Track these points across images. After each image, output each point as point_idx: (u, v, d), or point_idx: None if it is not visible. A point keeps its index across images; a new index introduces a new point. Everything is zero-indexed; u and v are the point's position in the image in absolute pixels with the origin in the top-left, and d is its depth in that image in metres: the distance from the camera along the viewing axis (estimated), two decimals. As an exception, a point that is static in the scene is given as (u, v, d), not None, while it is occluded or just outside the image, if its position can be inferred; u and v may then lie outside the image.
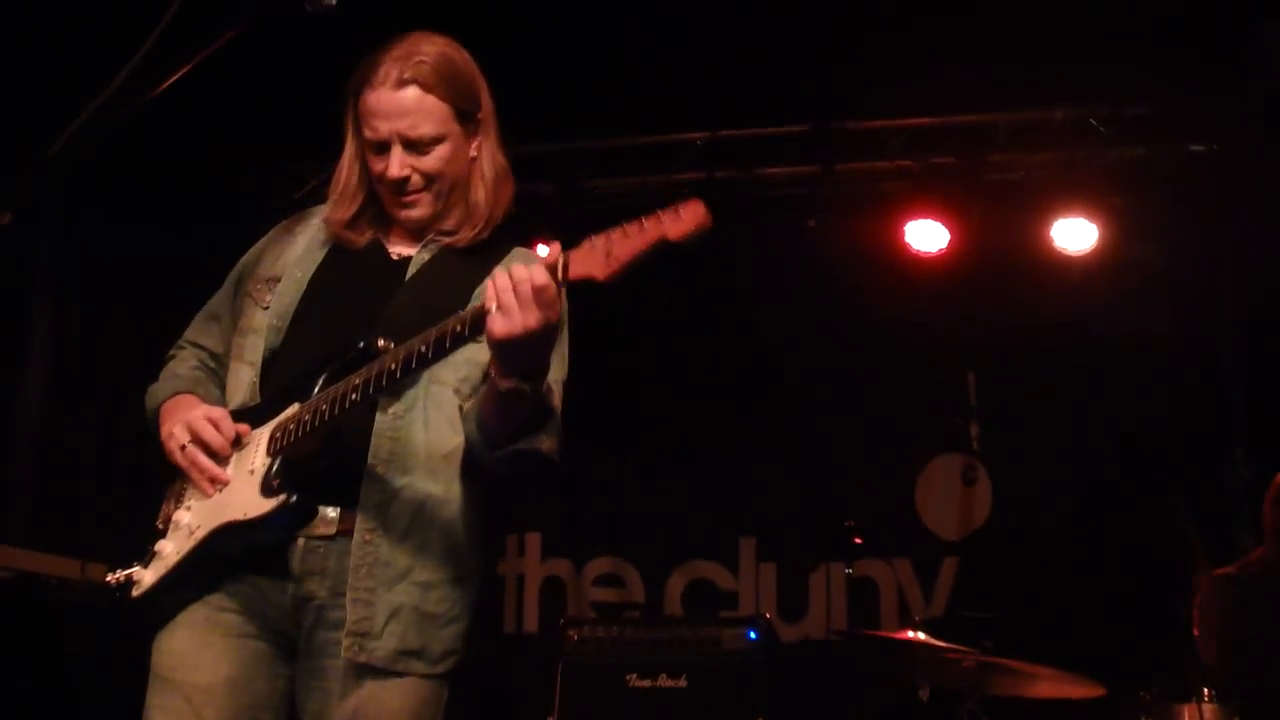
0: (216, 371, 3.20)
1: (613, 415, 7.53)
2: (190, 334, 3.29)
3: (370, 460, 2.89)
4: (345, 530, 2.86)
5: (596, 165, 7.94)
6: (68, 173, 2.41)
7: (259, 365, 3.03)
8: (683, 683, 6.09)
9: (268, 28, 2.66)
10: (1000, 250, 7.55)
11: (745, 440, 7.82)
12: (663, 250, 2.49)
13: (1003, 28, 6.52)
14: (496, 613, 8.07)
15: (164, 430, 3.03)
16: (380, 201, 3.17)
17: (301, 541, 2.86)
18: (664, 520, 8.00)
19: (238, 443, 2.94)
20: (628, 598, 8.08)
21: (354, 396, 2.75)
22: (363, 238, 3.16)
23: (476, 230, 3.13)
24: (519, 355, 2.66)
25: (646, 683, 6.12)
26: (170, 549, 2.93)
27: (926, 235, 7.54)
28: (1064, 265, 7.40)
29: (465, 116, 3.09)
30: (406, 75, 3.01)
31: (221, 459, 2.92)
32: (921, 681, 5.58)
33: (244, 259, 3.29)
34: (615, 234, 2.52)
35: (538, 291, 2.56)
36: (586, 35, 6.77)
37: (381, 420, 2.91)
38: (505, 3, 6.24)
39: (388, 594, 2.86)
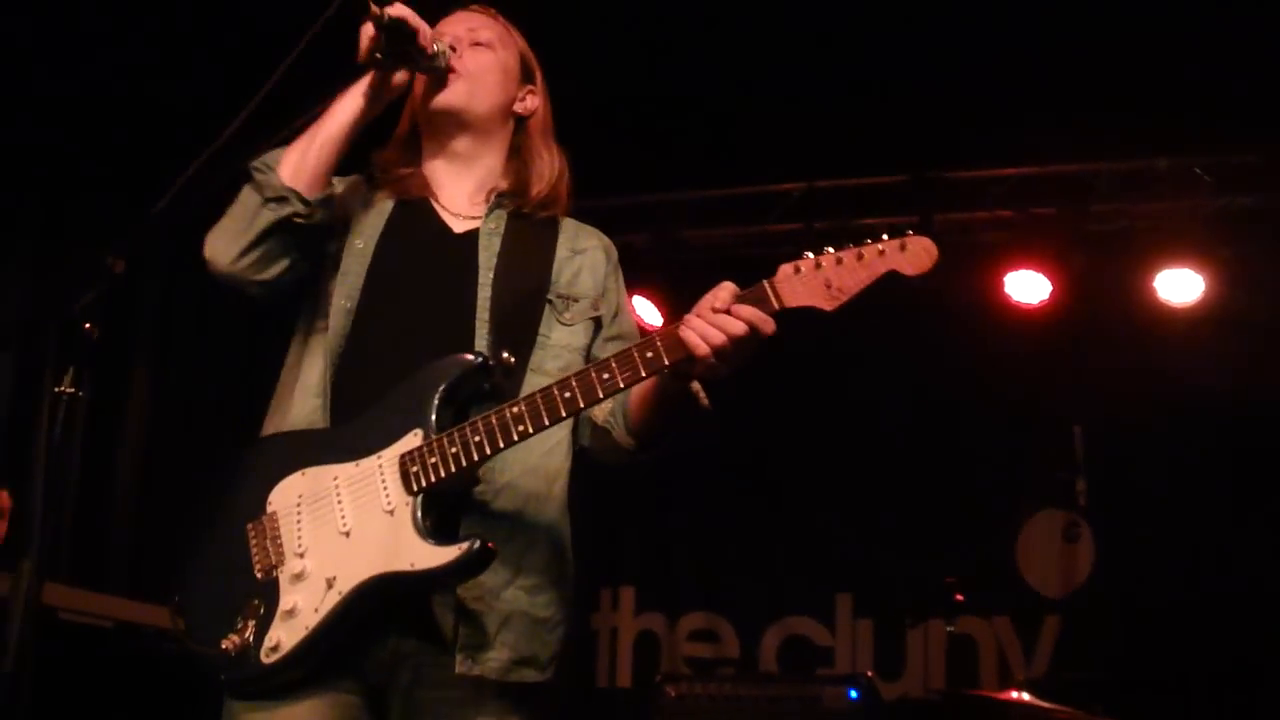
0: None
1: (708, 470, 7.47)
2: None
3: None
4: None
5: (694, 215, 7.93)
6: (173, 228, 2.41)
7: (330, 359, 2.85)
8: (782, 742, 6.00)
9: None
10: (1103, 302, 7.45)
11: (843, 495, 7.73)
12: (889, 282, 2.47)
13: (1105, 76, 6.45)
14: (590, 666, 8.02)
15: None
16: (424, 145, 3.11)
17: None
18: (759, 575, 7.93)
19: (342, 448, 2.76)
20: (722, 653, 8.01)
21: (522, 428, 2.62)
22: (411, 188, 3.05)
23: (543, 198, 3.06)
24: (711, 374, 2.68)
25: (746, 742, 6.04)
26: (304, 605, 2.65)
27: (1027, 286, 7.47)
28: (1169, 317, 7.28)
29: (524, 64, 3.17)
30: (479, 8, 3.18)
31: None
32: (1025, 743, 5.46)
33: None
34: (827, 261, 2.51)
35: (763, 340, 2.58)
36: (684, 86, 6.77)
37: None
38: (600, 52, 6.25)
39: (496, 602, 2.76)
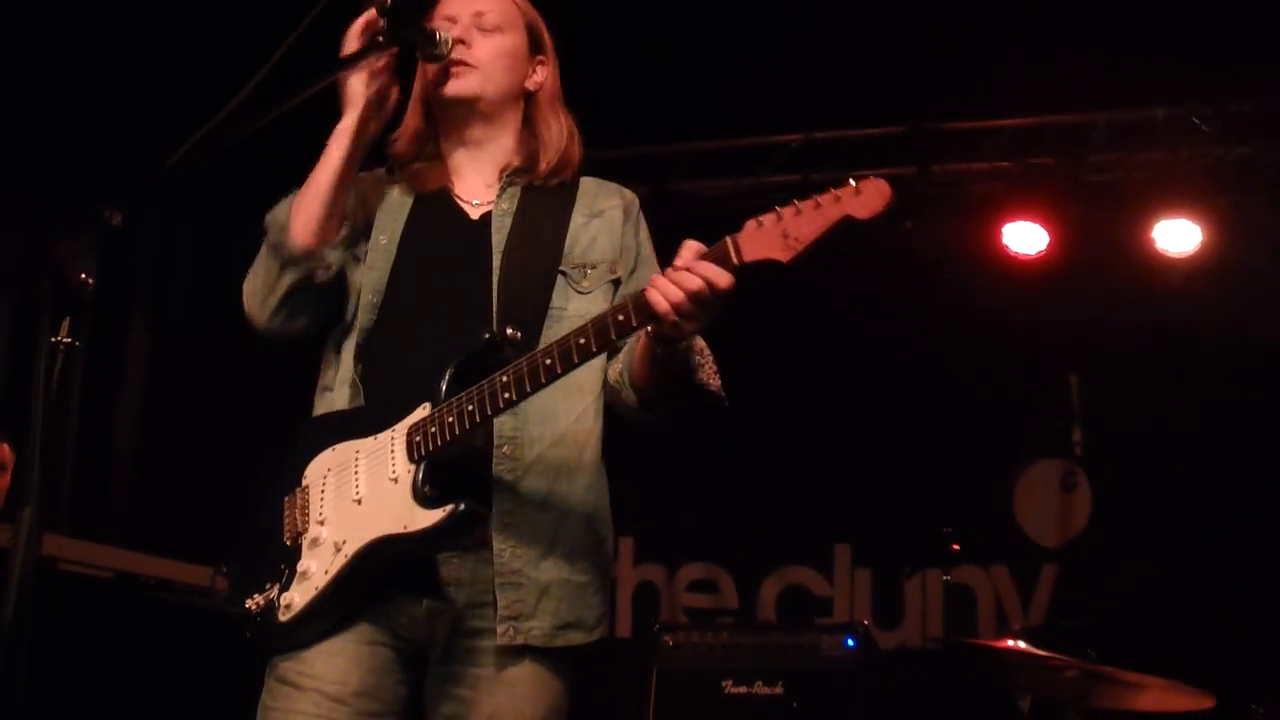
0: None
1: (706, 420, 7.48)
2: None
3: (497, 440, 2.83)
4: (482, 541, 2.80)
5: (690, 168, 7.92)
6: (173, 186, 2.42)
7: (356, 350, 2.95)
8: (779, 690, 6.04)
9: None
10: (1101, 252, 7.44)
11: (840, 445, 7.74)
12: (845, 229, 2.46)
13: (1101, 25, 6.43)
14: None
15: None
16: (436, 132, 3.14)
17: (438, 555, 2.81)
18: (758, 525, 7.95)
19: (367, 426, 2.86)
20: (721, 603, 8.06)
21: (508, 395, 2.67)
22: (430, 180, 3.10)
23: (553, 167, 3.08)
24: (678, 334, 2.68)
25: (742, 689, 6.08)
26: (316, 568, 2.80)
27: (1025, 237, 7.47)
28: (1166, 267, 7.27)
29: (533, 36, 3.17)
30: None
31: None
32: (1022, 692, 5.50)
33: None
34: (786, 213, 2.49)
35: (722, 295, 2.56)
36: (679, 38, 6.75)
37: None
38: (598, 7, 6.23)
39: (535, 573, 2.81)
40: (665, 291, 2.58)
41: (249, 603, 2.87)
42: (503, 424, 2.83)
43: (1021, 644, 5.25)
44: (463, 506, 2.68)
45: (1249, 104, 7.14)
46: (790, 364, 7.90)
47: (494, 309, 2.88)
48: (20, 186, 6.54)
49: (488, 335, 2.79)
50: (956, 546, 6.59)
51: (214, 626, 5.01)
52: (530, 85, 3.17)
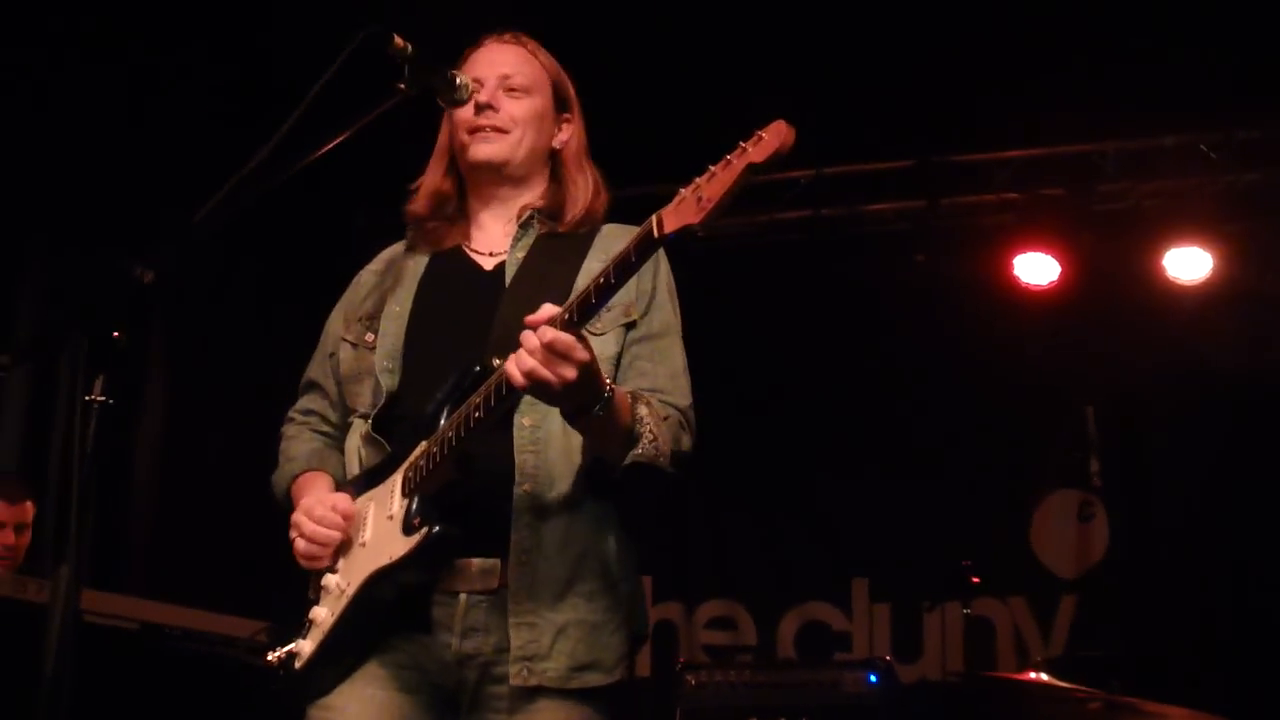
0: (332, 435, 3.18)
1: (722, 456, 7.47)
2: (299, 404, 3.26)
3: (518, 479, 2.82)
4: (506, 583, 2.80)
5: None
6: (210, 239, 2.45)
7: (373, 417, 2.98)
8: (803, 727, 6.02)
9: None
10: (1112, 281, 7.44)
11: (856, 479, 7.74)
12: (752, 178, 2.42)
13: (1107, 55, 6.45)
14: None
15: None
16: (463, 192, 3.18)
17: (464, 598, 2.80)
18: (776, 562, 7.95)
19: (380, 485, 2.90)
20: (740, 640, 8.03)
21: (478, 414, 2.67)
22: (446, 239, 3.13)
23: (578, 220, 3.09)
24: (558, 402, 2.65)
25: (766, 727, 6.06)
26: (324, 614, 2.86)
27: (1036, 268, 7.47)
28: (1178, 295, 7.28)
29: (558, 94, 3.20)
30: (509, 38, 3.20)
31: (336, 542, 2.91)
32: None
33: (331, 316, 3.26)
34: (703, 179, 2.47)
35: (547, 348, 2.52)
36: (689, 73, 6.77)
37: (520, 437, 2.84)
38: (606, 40, 6.27)
39: (551, 613, 2.80)
40: (517, 361, 2.57)
41: (271, 656, 2.92)
42: (524, 461, 2.84)
43: (1043, 676, 5.23)
44: (436, 529, 2.72)
45: (1257, 131, 7.17)
46: (805, 398, 7.89)
47: (490, 341, 2.87)
48: (29, 260, 6.60)
49: (478, 367, 2.80)
50: (976, 579, 6.59)
51: (239, 676, 5.04)
52: (556, 144, 3.20)
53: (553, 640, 2.80)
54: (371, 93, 2.82)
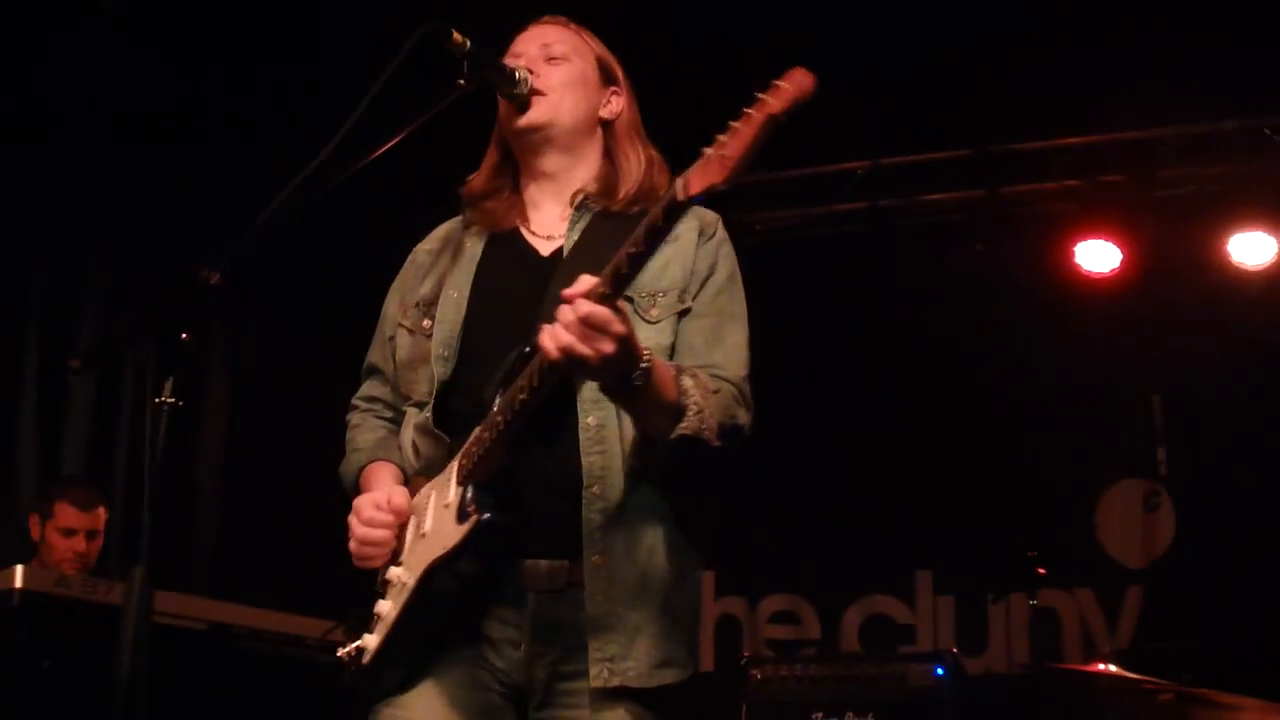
0: (395, 421, 3.17)
1: (783, 450, 7.46)
2: (362, 390, 3.27)
3: (586, 480, 2.81)
4: (575, 582, 2.79)
5: (758, 198, 7.90)
6: (274, 239, 2.46)
7: (432, 405, 2.96)
8: (869, 720, 5.99)
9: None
10: (1176, 268, 7.36)
11: (920, 471, 7.68)
12: (773, 130, 2.37)
13: (1166, 39, 6.38)
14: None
15: None
16: (517, 180, 3.17)
17: (533, 597, 2.80)
18: (839, 555, 7.91)
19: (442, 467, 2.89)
20: (803, 634, 8.01)
21: (523, 396, 2.66)
22: (503, 220, 3.12)
23: (631, 196, 3.07)
24: (596, 377, 2.64)
25: (832, 721, 6.04)
26: (388, 607, 2.85)
27: (1098, 255, 7.42)
28: (1244, 280, 7.19)
29: (603, 68, 3.18)
30: (550, 18, 3.21)
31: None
32: (1114, 717, 5.42)
33: (389, 297, 3.26)
34: (723, 137, 2.42)
35: (583, 321, 2.49)
36: (743, 66, 6.74)
37: (585, 438, 2.82)
38: (662, 33, 6.26)
39: (627, 612, 2.79)
40: (552, 334, 2.54)
41: (340, 651, 2.93)
42: (591, 463, 2.82)
43: (1112, 667, 5.18)
44: (486, 516, 2.69)
45: (1320, 111, 7.07)
46: (866, 391, 7.86)
47: (541, 322, 2.81)
48: (95, 270, 6.68)
49: (527, 349, 2.75)
50: (1042, 570, 6.54)
51: (306, 675, 5.07)
52: (605, 114, 3.17)
53: (632, 639, 2.79)
54: (425, 90, 2.84)
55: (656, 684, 2.80)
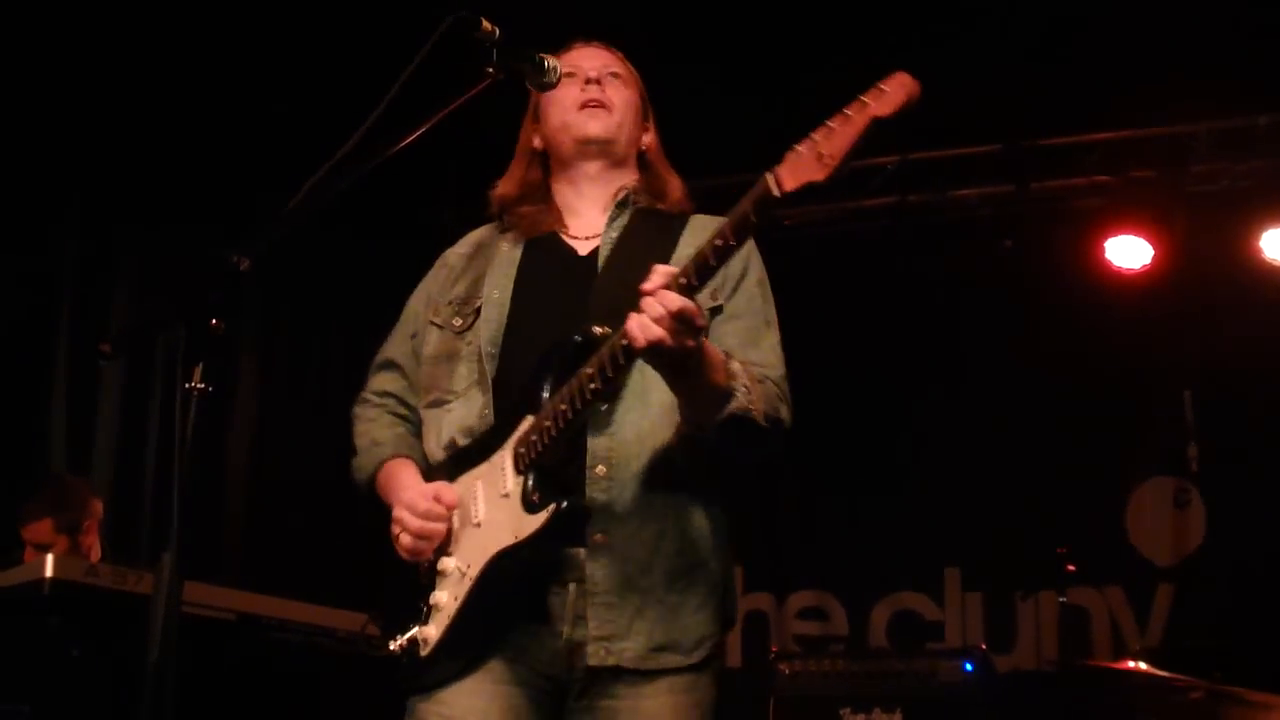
0: (410, 418, 3.18)
1: (811, 445, 7.44)
2: (374, 385, 3.26)
3: (590, 461, 2.82)
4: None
5: (788, 193, 7.86)
6: (303, 227, 2.46)
7: (491, 399, 2.95)
8: (897, 716, 5.97)
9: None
10: (1207, 264, 7.33)
11: (949, 468, 7.66)
12: (876, 132, 2.38)
13: (1198, 34, 6.34)
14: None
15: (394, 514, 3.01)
16: (549, 177, 3.20)
17: (573, 587, 2.80)
18: (867, 551, 7.90)
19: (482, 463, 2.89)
20: (831, 630, 8.01)
21: (593, 385, 2.66)
22: (540, 224, 3.14)
23: (674, 202, 3.14)
24: (670, 368, 2.65)
25: (860, 716, 6.02)
26: (445, 597, 2.84)
27: (1129, 251, 7.40)
28: (1276, 276, 7.15)
29: (644, 101, 3.25)
30: (599, 42, 3.28)
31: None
32: (1145, 715, 5.39)
33: (413, 297, 3.27)
34: (819, 134, 2.43)
35: (676, 317, 2.51)
36: (774, 63, 6.74)
37: (595, 418, 2.83)
38: (690, 31, 6.26)
39: (630, 593, 2.80)
40: (639, 323, 2.54)
41: (393, 644, 2.93)
42: (596, 444, 2.83)
43: (1143, 665, 5.16)
44: (565, 504, 2.71)
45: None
46: (894, 386, 7.85)
47: (589, 312, 2.87)
48: (121, 256, 6.71)
49: (579, 337, 2.78)
50: (1071, 567, 6.51)
51: (335, 667, 5.08)
52: (643, 145, 3.24)
53: (631, 620, 2.79)
54: (454, 79, 2.83)
55: (652, 667, 2.79)
